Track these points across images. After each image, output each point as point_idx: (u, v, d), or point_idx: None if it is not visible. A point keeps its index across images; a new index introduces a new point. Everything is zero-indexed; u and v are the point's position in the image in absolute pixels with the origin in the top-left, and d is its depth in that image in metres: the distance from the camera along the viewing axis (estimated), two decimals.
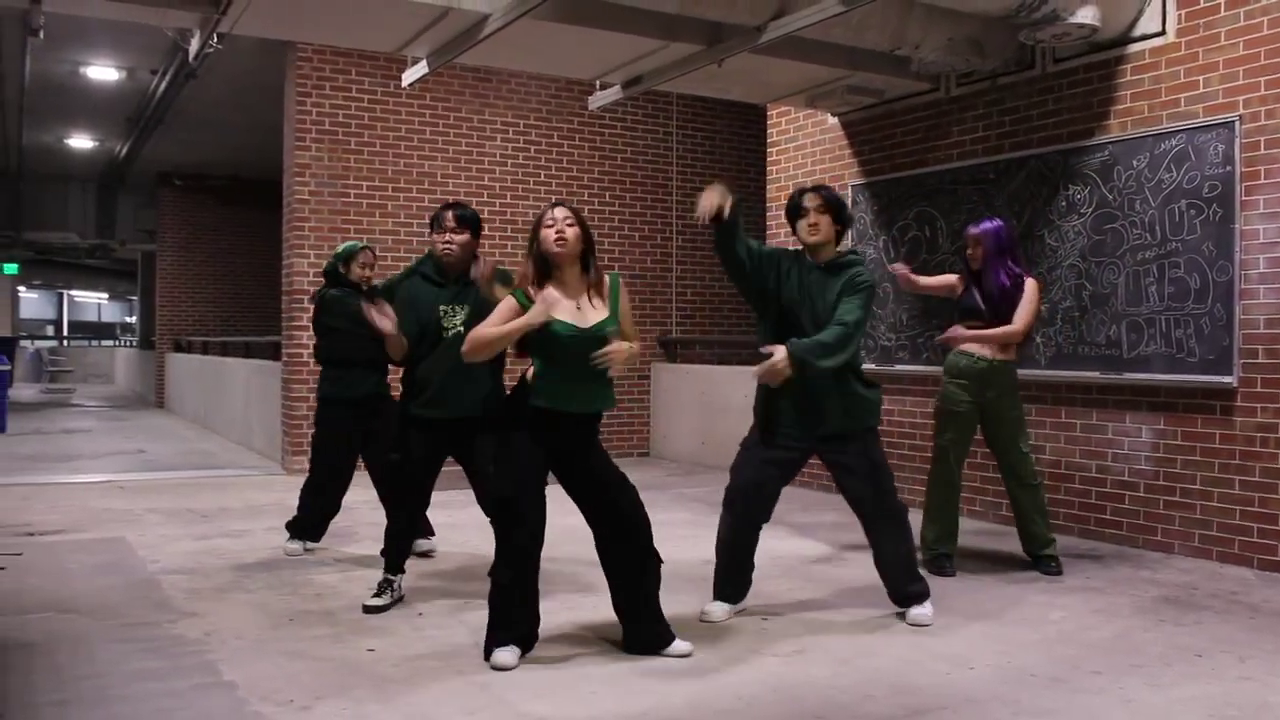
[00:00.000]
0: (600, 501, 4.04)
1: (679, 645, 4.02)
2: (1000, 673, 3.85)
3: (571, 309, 3.87)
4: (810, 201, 4.47)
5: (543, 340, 3.83)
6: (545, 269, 3.89)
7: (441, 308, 4.62)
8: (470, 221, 4.65)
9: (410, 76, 7.15)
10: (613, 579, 4.11)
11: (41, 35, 5.79)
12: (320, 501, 5.90)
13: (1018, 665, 3.93)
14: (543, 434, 3.90)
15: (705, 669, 3.88)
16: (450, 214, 4.64)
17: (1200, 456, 5.86)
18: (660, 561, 4.14)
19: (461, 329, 4.49)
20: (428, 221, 4.78)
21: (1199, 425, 5.87)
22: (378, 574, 4.88)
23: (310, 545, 5.92)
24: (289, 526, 5.97)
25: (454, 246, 4.60)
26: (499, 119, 10.22)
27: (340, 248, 5.76)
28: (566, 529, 6.56)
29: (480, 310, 4.33)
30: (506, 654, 3.87)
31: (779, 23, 5.82)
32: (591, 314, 3.90)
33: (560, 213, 3.89)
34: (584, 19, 5.99)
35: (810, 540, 6.30)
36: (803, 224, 4.47)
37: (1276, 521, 5.52)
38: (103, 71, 11.88)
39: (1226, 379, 5.69)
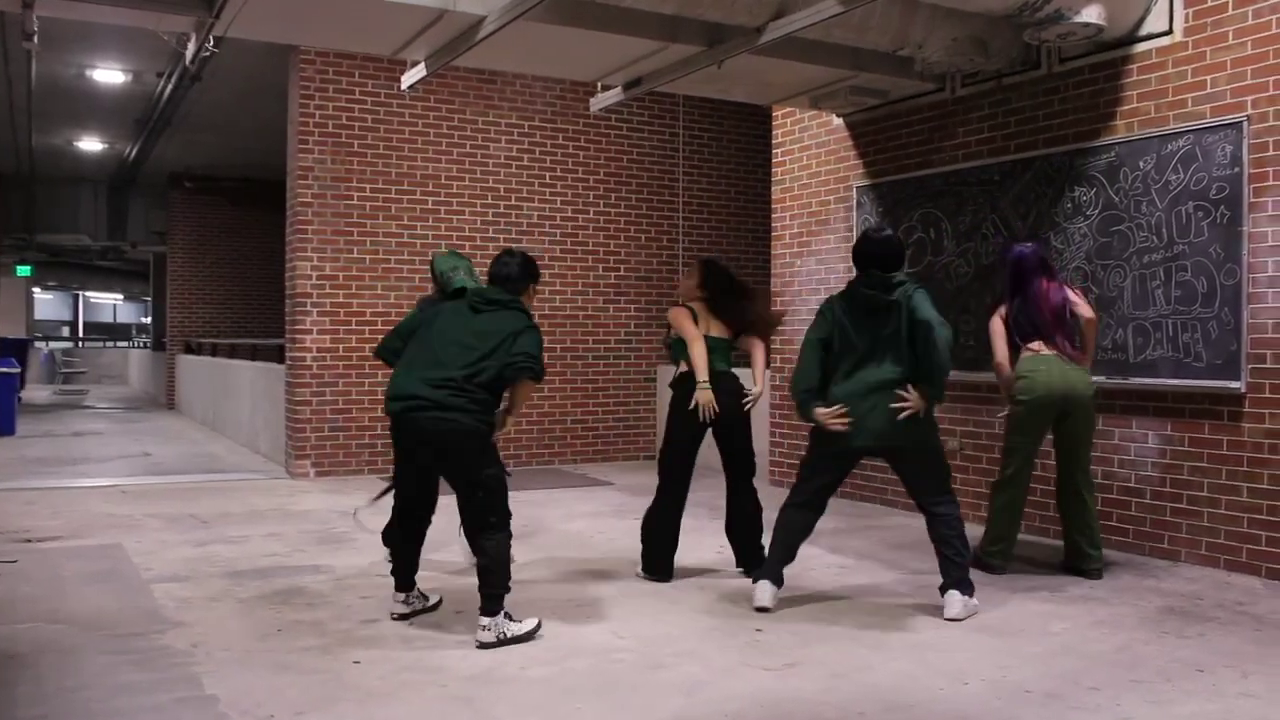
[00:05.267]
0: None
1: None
2: (996, 688, 3.77)
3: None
4: None
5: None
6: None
7: None
8: None
9: (409, 79, 7.09)
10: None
11: (35, 40, 5.72)
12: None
13: (1014, 680, 3.85)
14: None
15: (694, 682, 3.81)
16: None
17: (1208, 463, 5.76)
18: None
19: None
20: None
21: (1206, 431, 5.77)
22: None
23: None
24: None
25: None
26: (503, 121, 10.16)
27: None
28: (566, 535, 6.53)
29: None
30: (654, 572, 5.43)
31: (778, 23, 5.74)
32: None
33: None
34: (580, 20, 5.92)
35: (808, 548, 6.19)
36: None
37: None
38: (108, 74, 11.85)
39: (1234, 384, 5.58)
